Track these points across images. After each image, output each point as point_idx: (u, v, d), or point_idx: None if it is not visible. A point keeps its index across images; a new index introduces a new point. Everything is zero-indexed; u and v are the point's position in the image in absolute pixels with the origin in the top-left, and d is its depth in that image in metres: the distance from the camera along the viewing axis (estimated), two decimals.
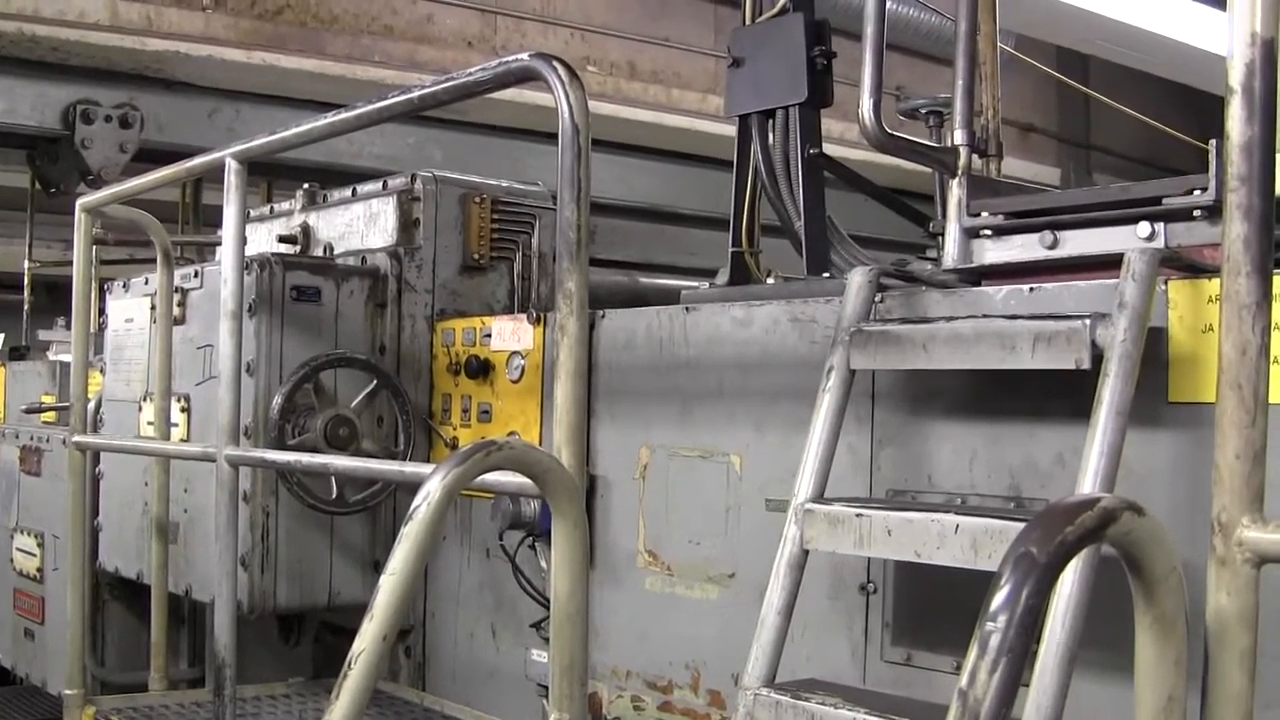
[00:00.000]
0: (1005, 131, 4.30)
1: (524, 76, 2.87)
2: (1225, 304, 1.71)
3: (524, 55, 2.84)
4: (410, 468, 4.00)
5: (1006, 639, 1.44)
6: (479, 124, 8.38)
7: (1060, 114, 12.09)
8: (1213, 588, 1.71)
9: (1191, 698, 1.74)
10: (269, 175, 9.47)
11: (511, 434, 4.61)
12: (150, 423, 5.35)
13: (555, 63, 2.76)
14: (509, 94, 8.40)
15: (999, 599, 1.46)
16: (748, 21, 4.21)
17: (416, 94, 3.04)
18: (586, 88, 2.84)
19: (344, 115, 3.46)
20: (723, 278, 4.30)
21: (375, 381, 4.91)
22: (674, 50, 9.74)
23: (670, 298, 4.68)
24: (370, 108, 3.30)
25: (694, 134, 9.16)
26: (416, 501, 2.44)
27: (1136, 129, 10.99)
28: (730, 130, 9.43)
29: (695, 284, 5.07)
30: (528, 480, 2.69)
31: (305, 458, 4.18)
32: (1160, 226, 3.20)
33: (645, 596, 4.19)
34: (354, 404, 4.87)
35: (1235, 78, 1.73)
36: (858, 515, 3.09)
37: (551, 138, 2.94)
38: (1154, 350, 2.92)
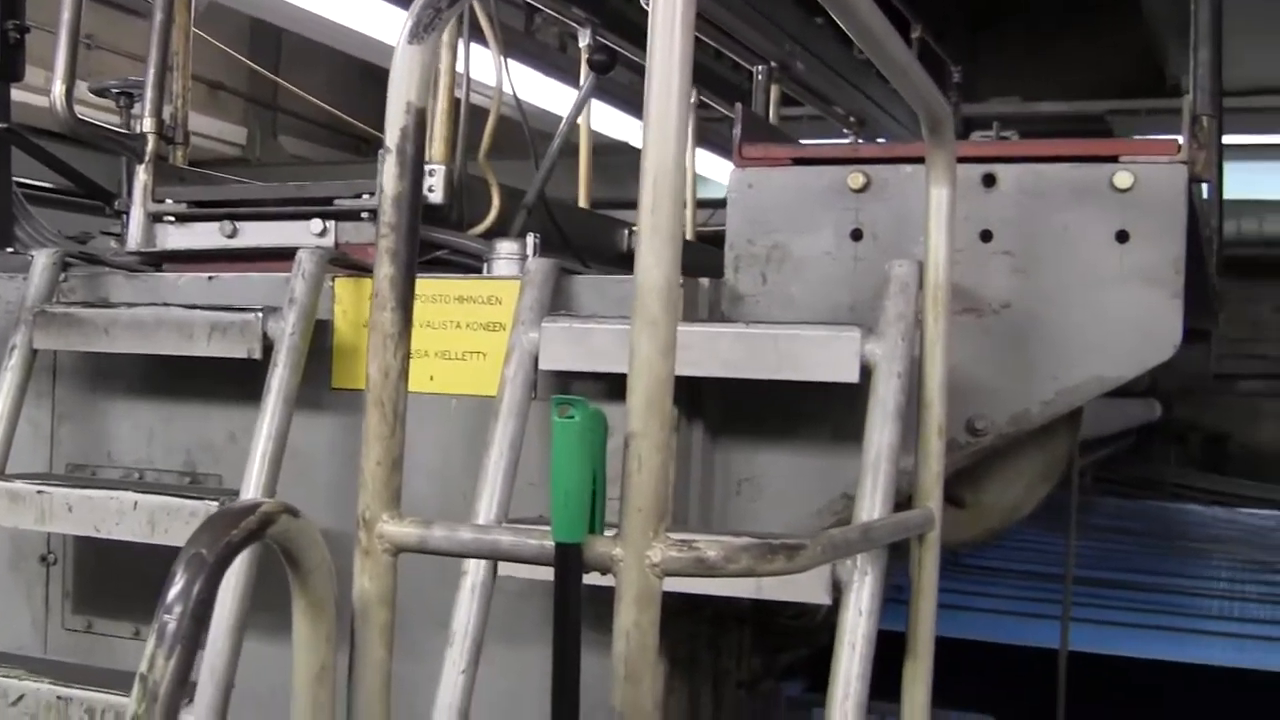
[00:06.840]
0: (195, 88, 4.45)
1: None
2: (372, 333, 2.01)
3: None
4: None
5: (180, 628, 1.68)
6: None
7: (250, 75, 12.31)
8: (358, 573, 2.02)
9: (343, 666, 2.05)
10: None
11: None
12: None
13: None
14: None
15: (173, 594, 1.69)
16: None
17: None
18: None
19: None
20: None
21: None
22: None
23: None
24: None
25: None
26: None
27: (321, 95, 11.48)
28: None
29: None
30: None
31: None
32: (332, 224, 3.54)
33: None
34: None
35: (391, 139, 2.02)
36: (38, 492, 3.20)
37: None
38: (321, 341, 3.25)
